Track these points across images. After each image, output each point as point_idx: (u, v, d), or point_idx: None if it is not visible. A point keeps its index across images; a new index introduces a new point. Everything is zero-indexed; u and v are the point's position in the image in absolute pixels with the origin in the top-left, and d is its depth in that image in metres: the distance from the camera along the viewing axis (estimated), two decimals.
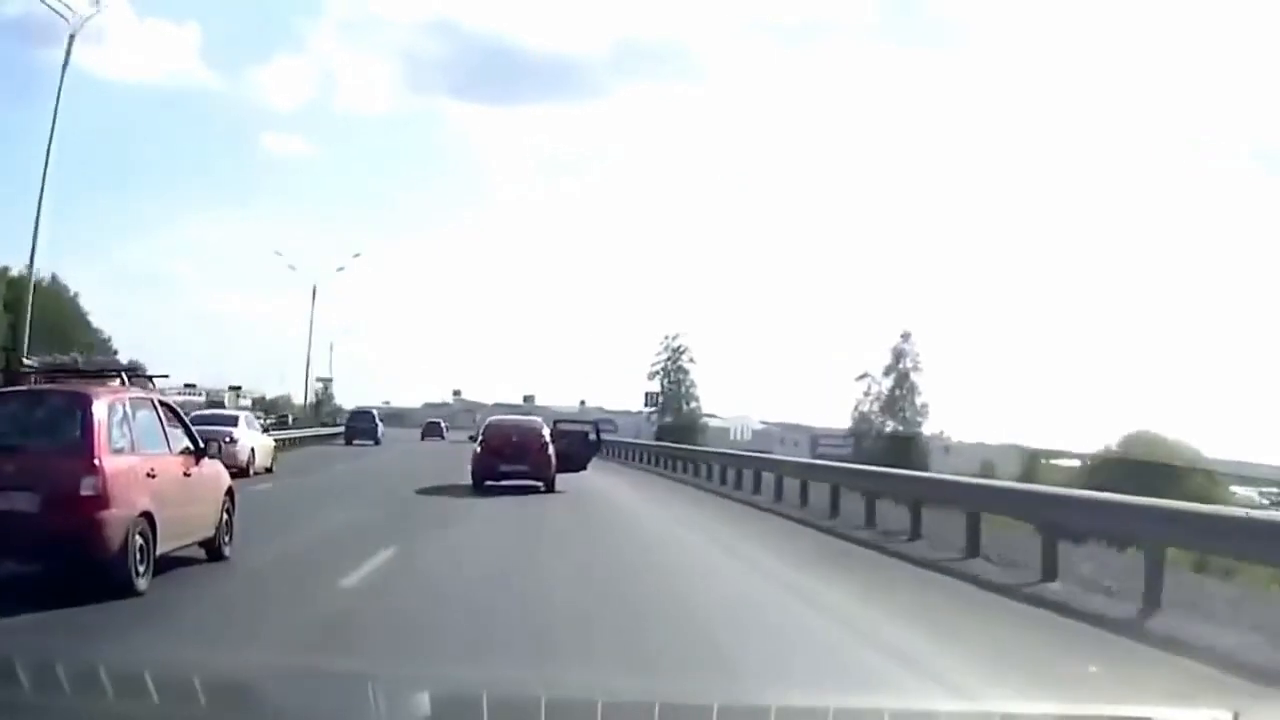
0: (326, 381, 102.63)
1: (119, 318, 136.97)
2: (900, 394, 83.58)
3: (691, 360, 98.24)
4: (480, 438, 25.52)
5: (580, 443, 27.47)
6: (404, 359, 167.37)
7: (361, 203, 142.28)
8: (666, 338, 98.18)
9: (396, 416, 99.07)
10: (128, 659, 6.16)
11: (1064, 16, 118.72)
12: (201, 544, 11.36)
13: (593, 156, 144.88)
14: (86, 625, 8.27)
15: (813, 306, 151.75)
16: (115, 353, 75.89)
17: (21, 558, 9.35)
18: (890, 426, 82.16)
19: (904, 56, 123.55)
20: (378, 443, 53.72)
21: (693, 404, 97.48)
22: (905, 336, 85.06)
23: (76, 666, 4.62)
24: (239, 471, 23.67)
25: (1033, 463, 47.21)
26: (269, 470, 29.37)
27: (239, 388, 77.80)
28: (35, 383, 11.13)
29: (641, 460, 44.72)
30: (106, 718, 4.34)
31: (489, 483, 23.89)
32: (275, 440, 35.32)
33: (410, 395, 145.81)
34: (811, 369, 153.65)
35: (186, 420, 11.76)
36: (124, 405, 10.22)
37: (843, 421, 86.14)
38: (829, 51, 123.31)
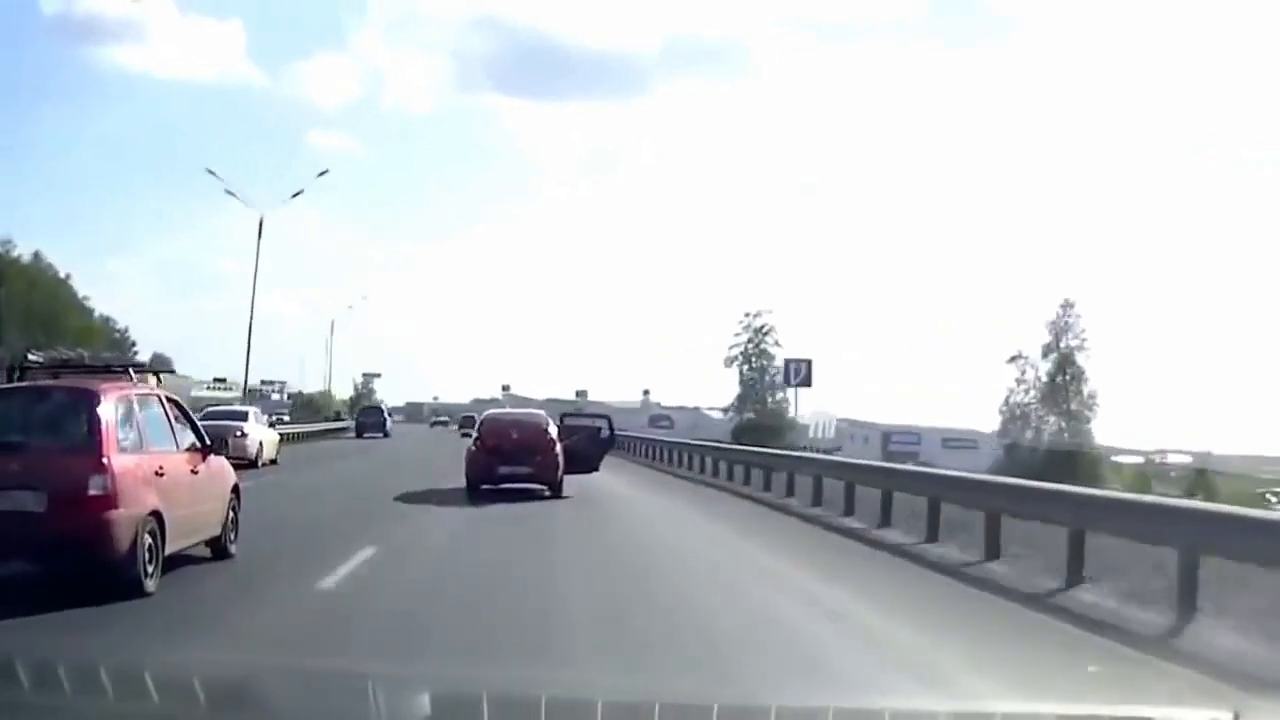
0: (370, 377, 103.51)
1: (161, 312, 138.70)
2: (1064, 380, 67.27)
3: (777, 344, 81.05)
4: (476, 435, 22.50)
5: (590, 440, 24.16)
6: (454, 355, 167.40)
7: (409, 199, 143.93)
8: (747, 316, 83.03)
9: (445, 412, 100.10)
10: (128, 659, 6.15)
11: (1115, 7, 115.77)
12: (207, 543, 11.22)
13: (640, 152, 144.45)
14: (90, 625, 8.26)
15: (872, 299, 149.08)
16: (130, 342, 77.74)
17: (29, 558, 9.20)
18: (1052, 423, 66.87)
19: (950, 54, 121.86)
20: (386, 435, 58.42)
21: (779, 396, 76.88)
22: (1067, 307, 69.14)
23: (76, 666, 4.62)
24: (248, 463, 27.51)
25: None
26: (274, 462, 30.71)
27: (223, 379, 78.88)
28: (38, 379, 11.03)
29: (703, 469, 31.96)
30: (106, 718, 4.34)
31: (485, 486, 20.92)
32: (281, 434, 36.99)
33: (460, 391, 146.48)
34: (871, 363, 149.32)
35: (193, 416, 11.69)
36: (131, 402, 10.05)
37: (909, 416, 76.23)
38: (874, 48, 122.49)
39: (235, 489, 11.89)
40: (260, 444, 30.21)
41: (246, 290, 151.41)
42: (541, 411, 24.83)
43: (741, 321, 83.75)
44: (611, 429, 25.20)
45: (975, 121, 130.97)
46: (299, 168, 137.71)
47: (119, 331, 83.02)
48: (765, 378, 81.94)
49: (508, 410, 26.71)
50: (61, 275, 76.58)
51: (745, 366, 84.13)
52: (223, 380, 77.61)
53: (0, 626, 7.84)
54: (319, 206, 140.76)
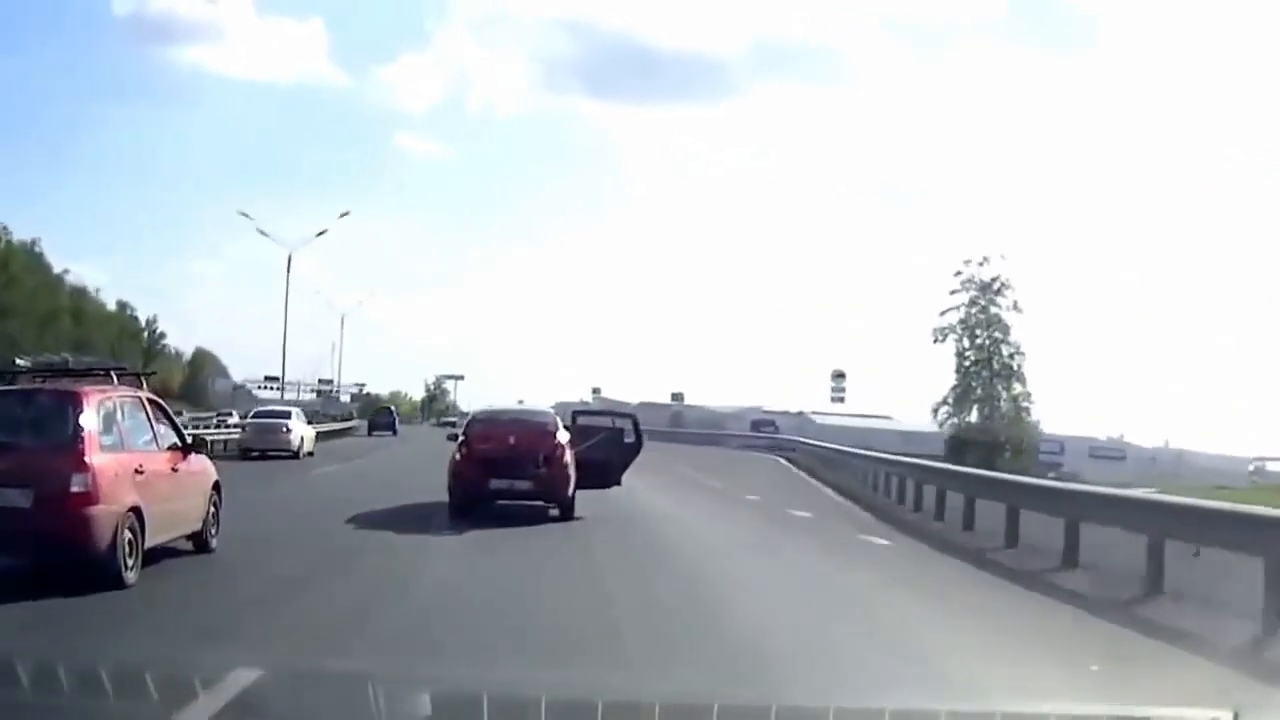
0: (442, 379, 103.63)
1: (232, 314, 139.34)
2: None
3: (1015, 307, 52.82)
4: (460, 439, 17.20)
5: (610, 444, 18.18)
6: (542, 357, 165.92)
7: (497, 202, 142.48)
8: (967, 264, 53.50)
9: None
10: (128, 659, 6.16)
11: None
12: (188, 537, 11.53)
13: (731, 155, 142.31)
14: (69, 615, 8.39)
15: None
16: (156, 333, 79.18)
17: (14, 552, 9.55)
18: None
19: (1039, 57, 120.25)
20: (395, 433, 61.99)
21: (1015, 392, 52.56)
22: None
23: (76, 666, 4.63)
24: (291, 454, 32.56)
25: None
26: (311, 454, 34.21)
27: (275, 378, 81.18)
28: (22, 382, 11.27)
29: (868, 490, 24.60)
30: (106, 718, 4.35)
31: (477, 503, 15.99)
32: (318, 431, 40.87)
33: (546, 395, 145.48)
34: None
35: (173, 417, 12.03)
36: (113, 404, 10.44)
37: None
38: (966, 51, 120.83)
39: (216, 486, 12.13)
40: (302, 438, 34.14)
41: (334, 291, 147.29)
42: (549, 410, 19.78)
43: (959, 274, 53.76)
44: (638, 430, 18.94)
45: (1080, 125, 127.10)
46: (389, 171, 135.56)
47: (149, 323, 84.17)
48: (994, 363, 53.23)
49: (503, 408, 20.04)
50: (57, 268, 76.81)
51: (965, 342, 53.83)
52: (275, 379, 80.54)
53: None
54: (409, 209, 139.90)
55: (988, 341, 54.39)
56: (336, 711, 4.90)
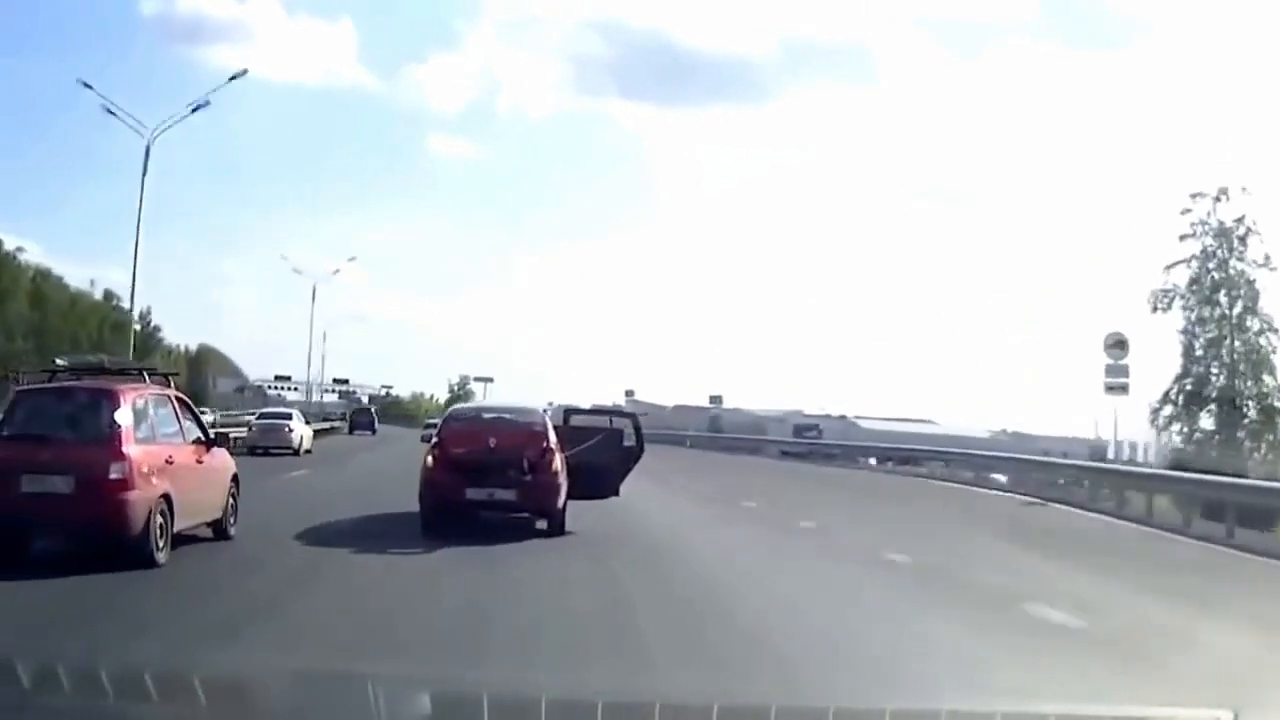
0: (466, 379, 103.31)
1: (259, 315, 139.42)
2: None
3: (1267, 262, 35.39)
4: (434, 441, 15.14)
5: (607, 447, 15.85)
6: (575, 360, 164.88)
7: (530, 204, 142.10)
8: (1196, 199, 35.83)
9: None
10: (127, 659, 6.17)
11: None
12: (210, 524, 12.22)
13: (764, 156, 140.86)
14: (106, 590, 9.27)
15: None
16: (151, 324, 79.13)
17: (59, 532, 10.59)
18: None
19: (1075, 55, 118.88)
20: (374, 433, 65.65)
21: (1267, 387, 35.05)
22: None
23: (76, 666, 4.64)
24: (293, 451, 34.99)
25: None
26: (309, 452, 36.63)
27: (287, 377, 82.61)
28: (62, 379, 12.20)
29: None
30: (106, 718, 4.35)
31: (452, 515, 13.95)
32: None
33: (579, 397, 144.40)
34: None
35: (198, 413, 13.01)
36: (145, 401, 11.37)
37: None
38: (1000, 50, 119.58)
39: (235, 478, 12.88)
40: (302, 437, 36.69)
41: (369, 294, 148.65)
42: (537, 408, 17.55)
43: (1186, 212, 36.47)
44: (639, 433, 16.57)
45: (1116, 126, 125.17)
46: (421, 172, 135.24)
47: (143, 315, 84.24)
48: (1244, 327, 35.91)
49: (483, 406, 18.38)
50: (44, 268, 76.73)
51: (1197, 313, 36.39)
52: (287, 378, 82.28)
53: (29, 587, 9.09)
54: (441, 211, 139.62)
55: (1229, 309, 36.21)
56: (336, 711, 4.91)
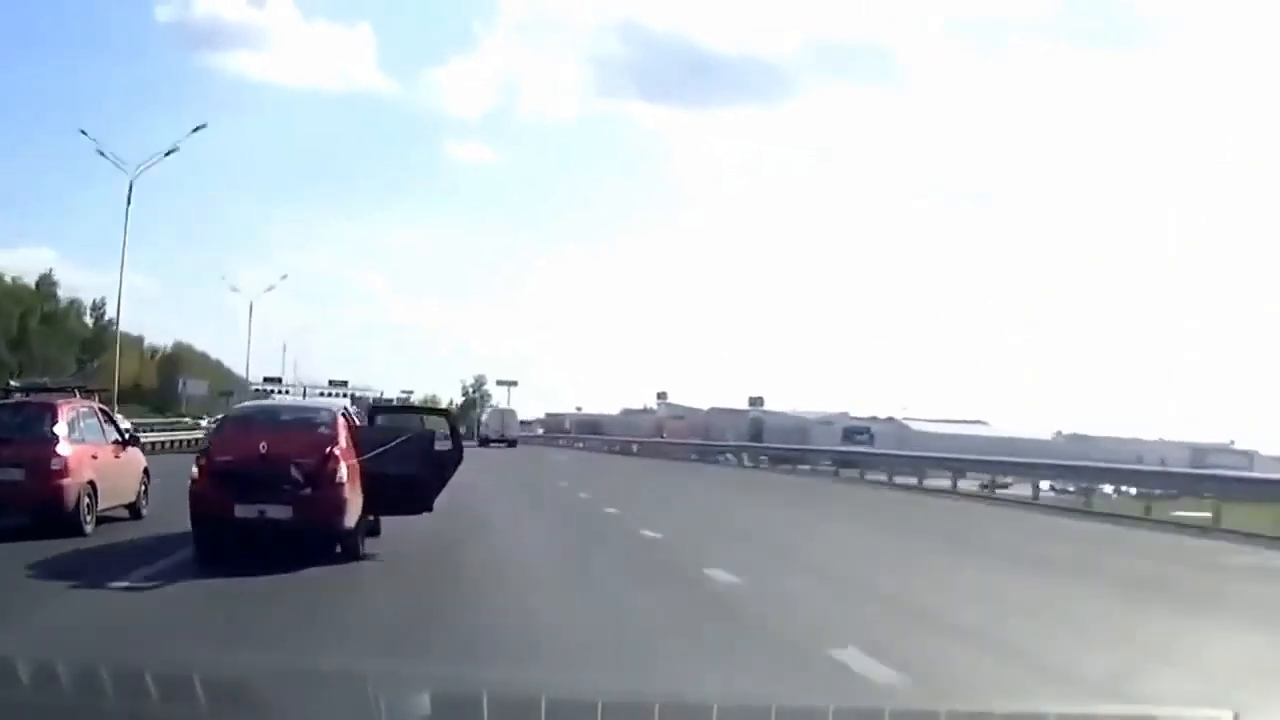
0: (482, 381, 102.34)
1: (286, 319, 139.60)
2: None
3: None
4: (203, 448, 13.05)
5: (415, 454, 12.88)
6: (604, 363, 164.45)
7: (552, 207, 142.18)
8: None
9: (590, 425, 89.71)
10: (127, 659, 6.15)
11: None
12: (126, 506, 15.86)
13: (787, 157, 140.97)
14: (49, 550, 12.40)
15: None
16: (105, 318, 79.26)
17: (14, 512, 13.91)
18: None
19: (1098, 56, 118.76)
20: None
21: None
22: None
23: (76, 666, 4.62)
24: None
25: None
26: None
27: (278, 379, 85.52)
28: (15, 397, 16.83)
29: None
30: (106, 718, 4.34)
31: (224, 537, 11.82)
32: None
33: (609, 401, 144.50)
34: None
35: (117, 421, 17.46)
36: (76, 412, 15.21)
37: None
38: (1025, 50, 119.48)
39: (145, 470, 16.61)
40: None
41: (392, 300, 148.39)
42: (335, 402, 14.91)
43: None
44: (456, 434, 13.84)
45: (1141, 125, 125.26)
46: (441, 177, 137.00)
47: (94, 307, 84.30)
48: None
49: (266, 403, 15.90)
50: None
51: None
52: (277, 379, 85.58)
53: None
54: (461, 216, 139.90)
55: None
56: (336, 711, 4.88)
